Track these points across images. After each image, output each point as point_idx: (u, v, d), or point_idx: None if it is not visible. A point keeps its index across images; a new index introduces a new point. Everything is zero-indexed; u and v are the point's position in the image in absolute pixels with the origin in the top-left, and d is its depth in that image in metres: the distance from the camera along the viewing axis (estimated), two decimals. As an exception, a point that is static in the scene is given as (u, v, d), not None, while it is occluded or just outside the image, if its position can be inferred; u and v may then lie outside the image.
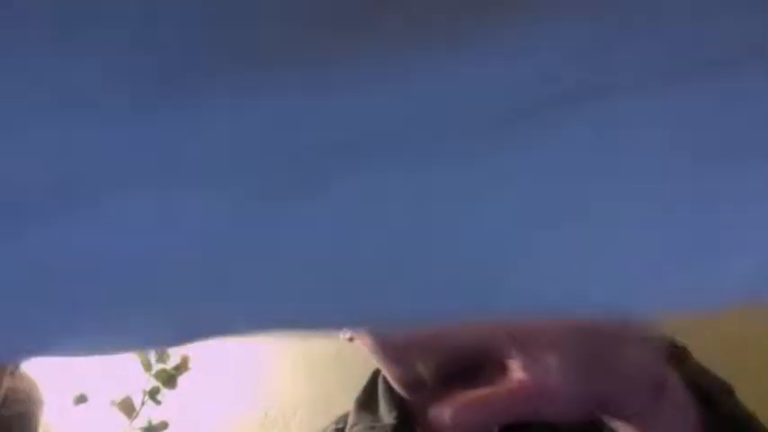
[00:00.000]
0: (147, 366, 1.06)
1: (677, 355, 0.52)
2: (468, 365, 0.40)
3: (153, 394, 1.05)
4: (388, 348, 0.51)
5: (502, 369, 0.31)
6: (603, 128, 0.15)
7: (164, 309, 0.15)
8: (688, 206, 0.16)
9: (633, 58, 0.14)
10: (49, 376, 0.89)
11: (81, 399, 0.97)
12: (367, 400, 0.62)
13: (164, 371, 1.07)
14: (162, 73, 0.12)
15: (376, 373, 0.62)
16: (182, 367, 1.08)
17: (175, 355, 1.09)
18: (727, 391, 0.51)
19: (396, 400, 0.58)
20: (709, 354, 0.61)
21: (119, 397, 1.04)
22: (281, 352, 1.26)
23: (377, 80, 0.12)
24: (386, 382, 0.59)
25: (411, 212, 0.14)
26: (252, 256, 0.14)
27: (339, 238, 0.14)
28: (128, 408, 1.02)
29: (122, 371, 1.07)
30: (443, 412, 0.29)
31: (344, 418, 0.64)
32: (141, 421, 1.03)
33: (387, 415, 0.58)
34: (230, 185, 0.13)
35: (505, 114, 0.13)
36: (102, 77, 0.12)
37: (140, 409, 1.04)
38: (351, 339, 0.56)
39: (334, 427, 0.64)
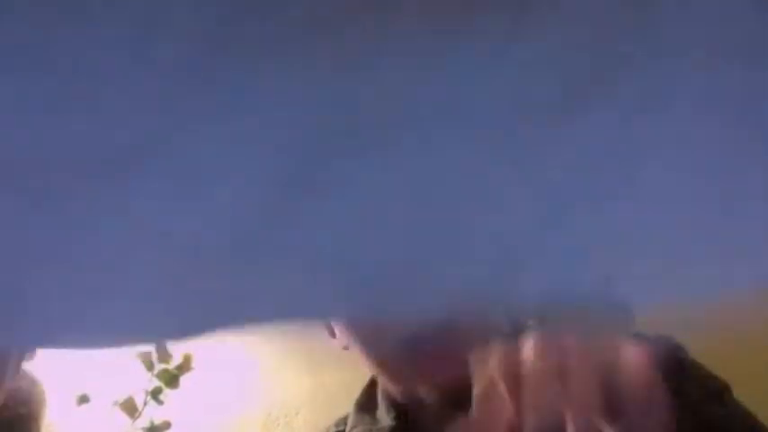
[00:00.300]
0: (150, 366, 1.06)
1: (674, 360, 0.52)
2: (468, 392, 0.40)
3: (155, 394, 1.05)
4: (388, 370, 0.53)
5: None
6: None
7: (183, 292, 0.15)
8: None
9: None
10: (51, 376, 0.88)
11: (83, 399, 0.96)
12: (366, 403, 0.62)
13: (166, 371, 1.07)
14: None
15: (374, 378, 0.62)
16: (184, 367, 1.08)
17: (177, 354, 1.08)
18: (724, 390, 0.51)
19: (395, 403, 0.58)
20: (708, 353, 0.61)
21: (121, 397, 1.04)
22: (283, 352, 1.26)
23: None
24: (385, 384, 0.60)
25: (433, 200, 0.14)
26: (277, 248, 0.14)
27: (356, 231, 0.14)
28: (130, 408, 1.02)
29: (124, 371, 1.07)
30: None
31: (344, 420, 0.64)
32: (144, 421, 1.03)
33: (385, 417, 0.58)
34: (257, 177, 0.13)
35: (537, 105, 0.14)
36: None
37: (143, 409, 1.03)
38: (346, 348, 0.56)
39: (334, 429, 0.63)
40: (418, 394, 0.50)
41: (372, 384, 0.63)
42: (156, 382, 1.06)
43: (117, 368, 1.09)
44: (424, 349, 0.47)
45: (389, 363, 0.52)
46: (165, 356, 1.07)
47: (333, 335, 0.59)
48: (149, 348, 1.05)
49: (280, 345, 1.26)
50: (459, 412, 0.32)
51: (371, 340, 0.52)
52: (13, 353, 0.50)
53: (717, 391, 0.50)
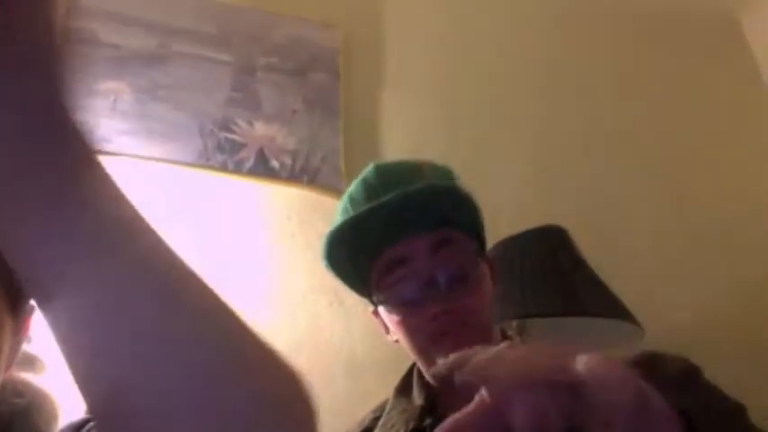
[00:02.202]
0: None
1: (689, 377, 0.58)
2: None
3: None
4: (418, 349, 0.68)
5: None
6: None
7: None
8: None
9: None
10: (62, 390, 0.89)
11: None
12: (403, 387, 0.74)
13: None
14: None
15: (412, 366, 0.75)
16: None
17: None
18: (739, 410, 0.54)
19: (426, 387, 0.70)
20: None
21: None
22: (302, 365, 1.25)
23: None
24: (419, 371, 0.72)
25: None
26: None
27: None
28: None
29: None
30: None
31: (382, 406, 0.75)
32: None
33: (418, 398, 0.70)
34: None
35: None
36: None
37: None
38: (396, 341, 0.72)
39: (372, 416, 0.76)
40: (447, 376, 0.59)
41: (410, 373, 0.75)
42: None
43: None
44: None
45: (427, 350, 0.66)
46: None
47: (387, 331, 0.73)
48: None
49: (295, 361, 1.26)
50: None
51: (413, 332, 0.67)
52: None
53: (738, 411, 0.53)
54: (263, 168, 1.33)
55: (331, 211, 1.30)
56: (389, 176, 0.70)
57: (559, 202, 1.58)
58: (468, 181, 0.77)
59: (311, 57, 1.48)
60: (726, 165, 1.87)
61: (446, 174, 0.74)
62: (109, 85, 1.29)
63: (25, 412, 0.63)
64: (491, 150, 1.64)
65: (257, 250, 1.33)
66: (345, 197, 0.73)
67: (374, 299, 0.72)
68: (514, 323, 1.19)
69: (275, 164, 1.35)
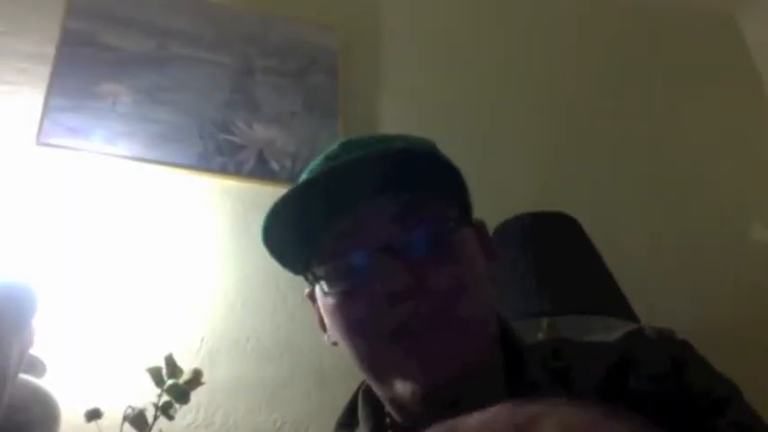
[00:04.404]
0: (159, 381, 1.04)
1: (682, 360, 0.49)
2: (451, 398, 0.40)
3: (165, 409, 1.02)
4: (364, 355, 0.47)
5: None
6: None
7: None
8: None
9: None
10: (62, 391, 0.89)
11: (95, 414, 0.96)
12: (347, 420, 0.56)
13: (176, 385, 1.04)
14: None
15: (356, 392, 0.57)
16: (193, 382, 1.05)
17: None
18: (733, 394, 0.47)
19: (373, 415, 0.52)
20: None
21: (130, 412, 1.01)
22: (294, 367, 1.26)
23: None
24: (365, 397, 0.55)
25: None
26: None
27: None
28: (140, 423, 1.01)
29: (133, 386, 1.07)
30: None
31: None
32: (155, 436, 1.02)
33: (363, 430, 0.52)
34: None
35: None
36: None
37: (153, 424, 1.01)
38: (334, 344, 0.52)
39: None
40: (403, 400, 0.44)
41: (353, 401, 0.57)
42: (166, 398, 1.03)
43: (126, 383, 1.11)
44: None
45: (379, 356, 0.46)
46: (175, 372, 1.05)
47: (323, 327, 0.54)
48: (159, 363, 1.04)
49: (291, 360, 1.26)
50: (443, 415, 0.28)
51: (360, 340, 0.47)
52: (11, 365, 0.50)
53: (722, 398, 0.45)
54: (263, 170, 1.33)
55: None
56: (353, 146, 0.52)
57: (558, 206, 1.57)
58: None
59: (309, 58, 1.48)
60: (725, 164, 1.87)
61: (423, 141, 0.55)
62: (108, 87, 1.28)
63: (28, 427, 0.63)
64: (492, 153, 1.64)
65: (253, 251, 1.32)
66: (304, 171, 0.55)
67: (310, 274, 0.51)
68: (545, 323, 1.12)
69: (275, 166, 1.35)
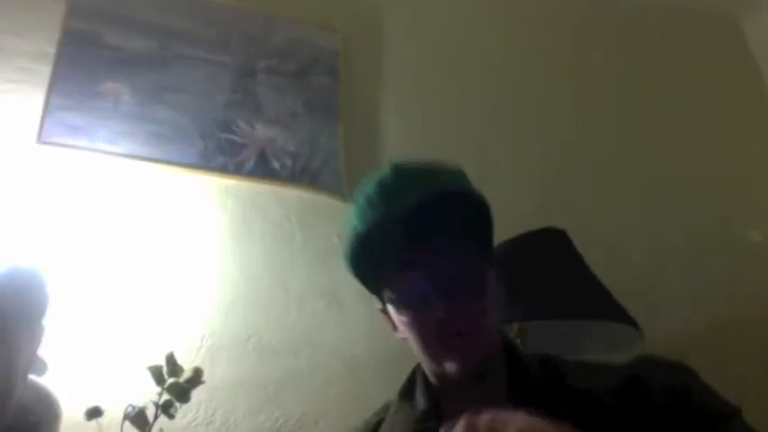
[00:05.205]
0: (160, 379, 1.04)
1: (678, 397, 0.61)
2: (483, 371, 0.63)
3: (166, 408, 1.03)
4: (425, 348, 0.69)
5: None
6: None
7: None
8: None
9: None
10: (61, 389, 0.90)
11: (95, 412, 0.96)
12: (407, 391, 0.76)
13: (176, 384, 1.05)
14: None
15: (415, 369, 0.77)
16: (194, 380, 1.06)
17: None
18: (734, 413, 0.59)
19: (429, 390, 0.72)
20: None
21: (131, 410, 1.01)
22: (296, 366, 1.27)
23: None
24: (423, 374, 0.74)
25: None
26: None
27: None
28: (141, 421, 1.01)
29: (134, 384, 1.07)
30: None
31: (385, 408, 0.77)
32: (155, 434, 1.02)
33: (421, 402, 0.72)
34: None
35: None
36: None
37: (153, 423, 1.01)
38: (404, 339, 0.72)
39: (375, 418, 0.78)
40: (450, 374, 0.66)
41: (413, 375, 0.77)
42: (167, 396, 1.04)
43: (127, 381, 1.11)
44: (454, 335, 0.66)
45: (433, 350, 0.68)
46: (175, 370, 1.06)
47: (394, 328, 0.74)
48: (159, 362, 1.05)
49: (298, 360, 1.27)
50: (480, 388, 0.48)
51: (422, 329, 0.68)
52: (19, 365, 0.50)
53: (733, 413, 0.57)
54: (263, 169, 1.33)
55: (331, 212, 1.37)
56: (406, 178, 0.69)
57: (558, 207, 1.57)
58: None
59: (311, 59, 1.48)
60: (726, 165, 1.87)
61: (461, 176, 0.74)
62: (110, 86, 1.28)
63: (37, 428, 0.63)
64: (492, 154, 1.64)
65: (255, 251, 1.33)
66: (361, 198, 0.71)
67: (385, 297, 0.73)
68: (515, 326, 1.19)
69: (276, 165, 1.34)
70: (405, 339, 0.73)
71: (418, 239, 0.67)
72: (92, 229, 1.22)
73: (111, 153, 1.25)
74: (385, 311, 0.75)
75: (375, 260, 0.69)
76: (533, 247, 1.17)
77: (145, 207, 1.28)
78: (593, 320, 1.12)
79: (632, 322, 1.11)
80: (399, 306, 0.70)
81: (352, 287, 1.42)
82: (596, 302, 1.11)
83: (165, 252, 1.26)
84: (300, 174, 1.35)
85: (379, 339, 1.25)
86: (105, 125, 1.26)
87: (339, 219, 1.32)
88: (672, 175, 1.79)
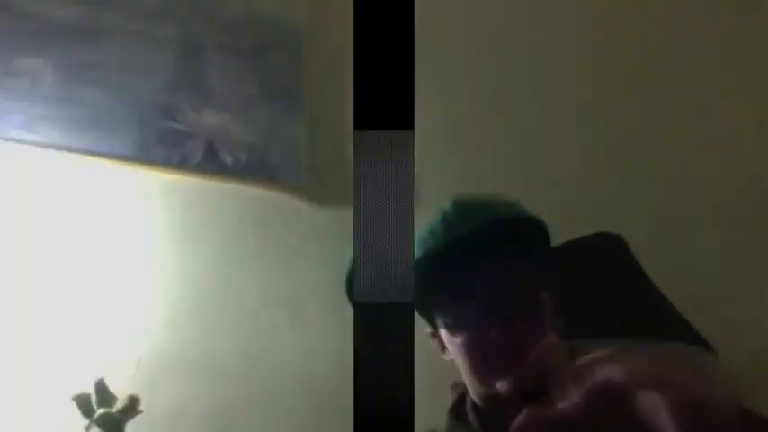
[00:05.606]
0: (88, 410, 1.00)
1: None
2: (537, 389, 0.55)
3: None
4: (476, 369, 0.78)
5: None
6: None
7: None
8: None
9: None
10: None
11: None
12: (458, 412, 0.84)
13: (107, 414, 1.01)
14: None
15: (462, 393, 0.85)
16: (129, 410, 1.02)
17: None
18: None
19: (478, 409, 0.81)
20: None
21: None
22: (250, 393, 1.21)
23: None
24: (468, 396, 0.83)
25: None
26: None
27: None
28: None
29: (56, 416, 1.04)
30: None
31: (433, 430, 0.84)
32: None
33: (474, 420, 0.81)
34: None
35: None
36: None
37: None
38: (452, 360, 0.82)
39: None
40: (495, 392, 0.74)
41: (461, 397, 0.85)
42: (96, 430, 1.00)
43: (47, 413, 1.07)
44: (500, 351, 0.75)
45: (480, 367, 0.77)
46: (106, 398, 1.01)
47: (443, 350, 0.83)
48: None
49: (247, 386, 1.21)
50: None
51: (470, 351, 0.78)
52: None
53: None
54: (212, 164, 1.29)
55: (292, 212, 1.35)
56: (465, 208, 0.81)
57: (612, 210, 1.45)
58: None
59: (269, 35, 1.42)
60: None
61: (517, 205, 0.83)
62: (26, 62, 1.20)
63: None
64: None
65: (203, 258, 1.28)
66: (424, 229, 0.81)
67: (438, 321, 0.82)
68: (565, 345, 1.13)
69: (227, 158, 1.30)
70: (452, 361, 0.81)
71: (475, 264, 0.77)
72: (3, 233, 1.16)
73: (27, 142, 1.18)
74: (435, 335, 0.84)
75: (432, 284, 0.78)
76: (585, 254, 1.14)
77: (69, 207, 1.22)
78: (655, 340, 1.06)
79: (702, 341, 1.06)
80: (454, 330, 0.79)
81: (316, 297, 1.35)
82: (658, 319, 1.10)
83: (94, 260, 1.21)
84: (256, 168, 1.32)
85: (349, 359, 1.15)
86: (21, 108, 1.19)
87: (301, 220, 1.32)
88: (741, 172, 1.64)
